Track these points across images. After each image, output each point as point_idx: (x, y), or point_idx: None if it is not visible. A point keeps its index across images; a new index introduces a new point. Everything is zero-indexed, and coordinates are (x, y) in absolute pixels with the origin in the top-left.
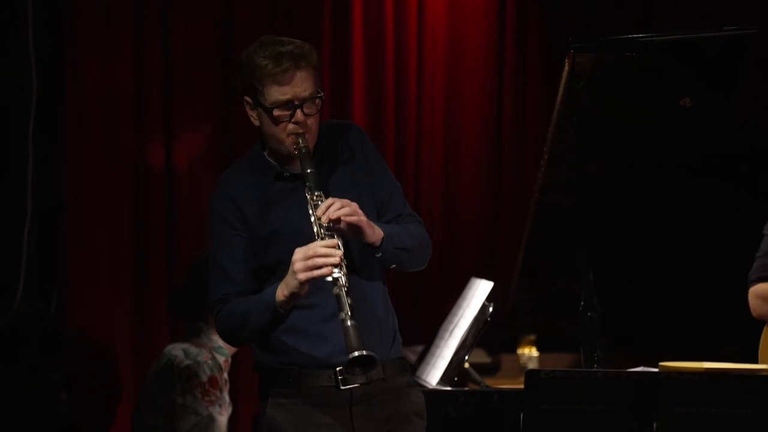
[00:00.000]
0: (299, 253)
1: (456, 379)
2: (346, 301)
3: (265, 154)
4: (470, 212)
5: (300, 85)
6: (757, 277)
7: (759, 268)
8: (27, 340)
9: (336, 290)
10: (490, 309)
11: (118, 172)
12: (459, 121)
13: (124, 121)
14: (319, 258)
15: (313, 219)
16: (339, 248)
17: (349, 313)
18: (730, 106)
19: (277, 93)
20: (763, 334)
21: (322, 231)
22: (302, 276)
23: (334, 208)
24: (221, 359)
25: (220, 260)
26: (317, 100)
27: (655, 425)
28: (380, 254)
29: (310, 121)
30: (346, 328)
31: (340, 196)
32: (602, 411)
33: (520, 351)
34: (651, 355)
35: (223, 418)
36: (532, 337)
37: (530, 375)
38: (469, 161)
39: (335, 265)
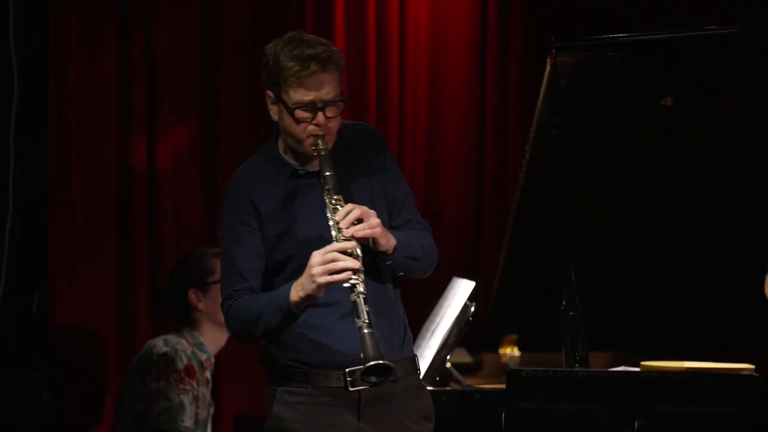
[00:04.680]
0: (317, 256)
1: (438, 378)
2: (364, 309)
3: (281, 151)
4: (453, 212)
5: (324, 87)
6: None
7: None
8: (9, 338)
9: (353, 297)
10: (472, 309)
11: (101, 169)
12: (441, 121)
13: (106, 118)
14: (338, 263)
15: (331, 223)
16: (357, 254)
17: (367, 321)
18: (712, 104)
19: (300, 94)
20: None
21: (341, 236)
22: (321, 280)
23: (353, 216)
24: (203, 357)
25: (233, 257)
26: (340, 104)
27: (636, 424)
28: (390, 262)
29: (332, 124)
30: (363, 336)
31: (356, 198)
32: (584, 410)
33: (501, 351)
34: (632, 354)
35: (202, 412)
36: (514, 337)
37: (512, 374)
38: (452, 161)
39: (354, 271)
